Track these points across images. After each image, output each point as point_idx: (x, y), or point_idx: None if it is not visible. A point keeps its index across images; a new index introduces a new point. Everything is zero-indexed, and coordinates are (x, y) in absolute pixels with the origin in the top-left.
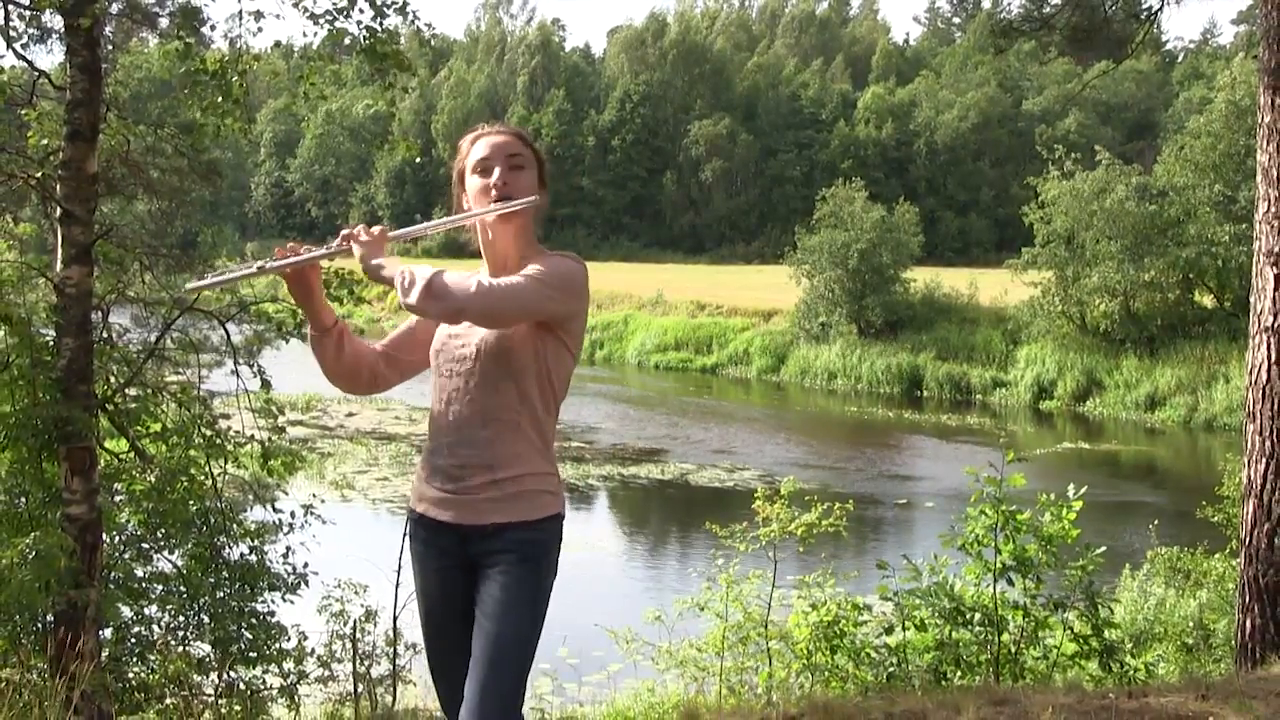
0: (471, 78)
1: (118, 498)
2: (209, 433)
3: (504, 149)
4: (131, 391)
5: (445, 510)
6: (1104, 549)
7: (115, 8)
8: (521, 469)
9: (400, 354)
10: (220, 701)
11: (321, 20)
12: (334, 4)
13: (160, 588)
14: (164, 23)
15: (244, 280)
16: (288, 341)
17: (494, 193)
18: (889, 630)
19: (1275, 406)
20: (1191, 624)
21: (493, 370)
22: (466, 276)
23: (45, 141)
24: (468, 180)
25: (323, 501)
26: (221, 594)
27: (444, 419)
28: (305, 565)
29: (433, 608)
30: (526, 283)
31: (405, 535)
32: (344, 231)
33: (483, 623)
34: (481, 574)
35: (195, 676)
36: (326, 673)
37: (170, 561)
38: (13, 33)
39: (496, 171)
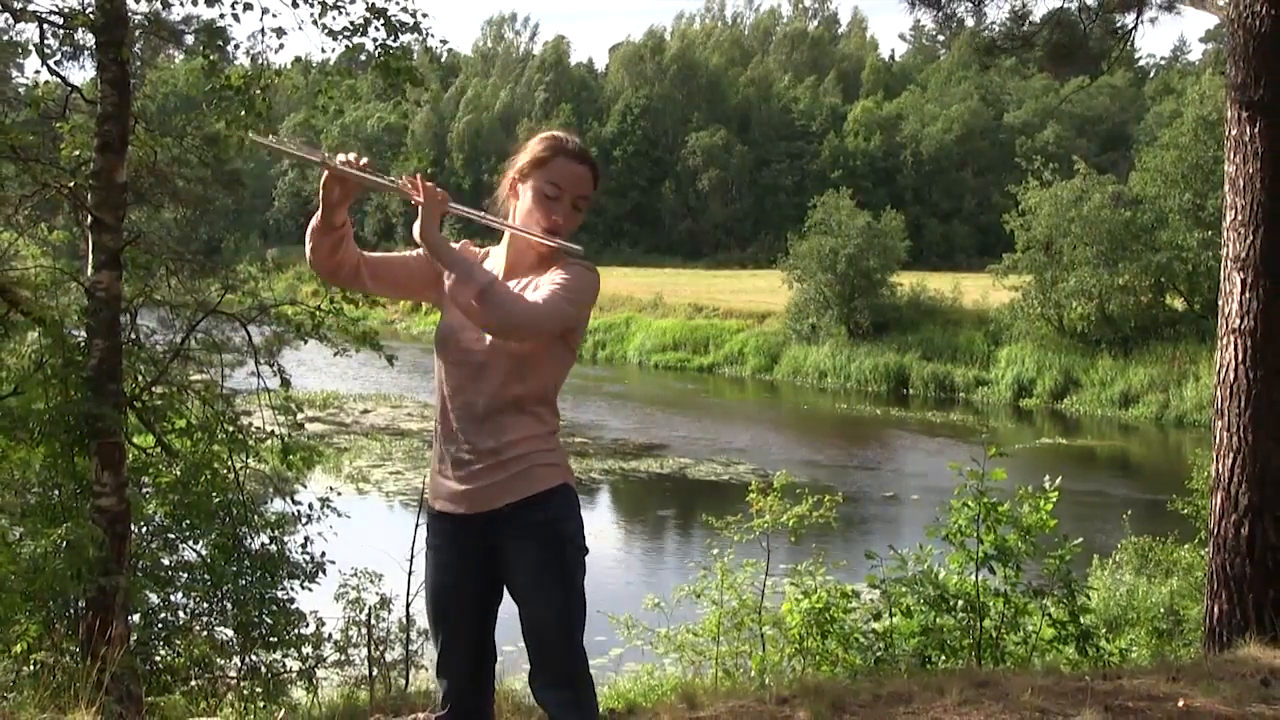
0: (492, 93)
1: (145, 490)
2: (231, 429)
3: (577, 188)
4: (158, 390)
5: (460, 503)
6: (1080, 540)
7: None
8: (524, 449)
9: (385, 270)
10: (242, 684)
11: (339, 37)
12: (351, 22)
13: (185, 576)
14: (190, 40)
15: (300, 159)
16: (306, 342)
17: (548, 224)
18: (877, 616)
19: (1243, 404)
20: (1163, 610)
21: (503, 362)
22: (517, 294)
23: (77, 153)
24: (528, 186)
25: (339, 494)
26: (243, 582)
27: (453, 406)
28: (323, 555)
29: (440, 592)
30: (563, 301)
31: (416, 526)
32: (411, 177)
33: (521, 608)
34: (504, 560)
35: (219, 660)
36: (343, 657)
37: (195, 551)
38: (47, 49)
39: (560, 206)
